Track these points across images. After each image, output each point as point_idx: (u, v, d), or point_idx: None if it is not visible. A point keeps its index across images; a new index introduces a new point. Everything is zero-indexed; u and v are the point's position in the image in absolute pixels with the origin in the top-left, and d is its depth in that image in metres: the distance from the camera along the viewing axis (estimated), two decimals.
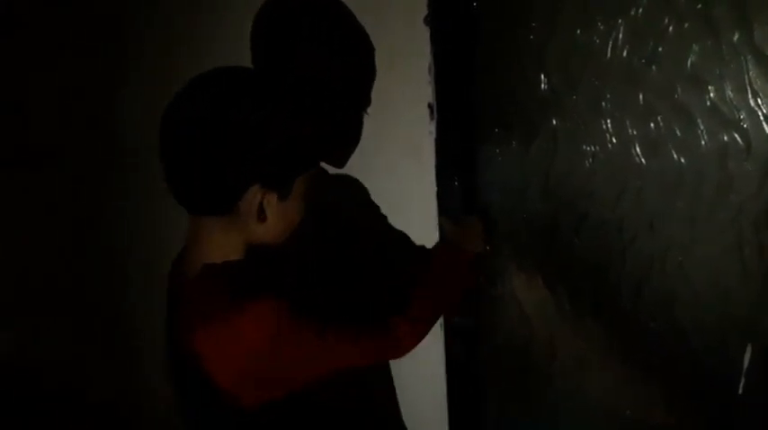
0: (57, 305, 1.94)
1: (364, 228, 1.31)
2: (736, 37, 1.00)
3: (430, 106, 1.25)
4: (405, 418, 1.24)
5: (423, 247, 1.32)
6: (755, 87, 1.00)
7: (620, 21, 1.09)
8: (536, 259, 1.29)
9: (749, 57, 0.99)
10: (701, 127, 1.06)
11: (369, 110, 1.11)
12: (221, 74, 0.84)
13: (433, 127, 1.26)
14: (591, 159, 1.17)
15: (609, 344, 1.24)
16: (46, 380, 1.99)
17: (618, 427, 1.26)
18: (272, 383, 0.85)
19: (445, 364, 1.40)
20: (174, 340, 0.89)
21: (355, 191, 1.32)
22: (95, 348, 1.96)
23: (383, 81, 1.21)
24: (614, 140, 1.14)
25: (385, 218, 1.32)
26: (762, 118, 1.01)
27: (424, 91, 1.24)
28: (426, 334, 1.05)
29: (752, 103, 1.01)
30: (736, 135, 1.03)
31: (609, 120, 1.14)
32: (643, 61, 1.08)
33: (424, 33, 1.21)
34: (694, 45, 1.04)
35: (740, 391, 1.07)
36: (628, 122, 1.12)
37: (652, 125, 1.10)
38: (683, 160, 1.08)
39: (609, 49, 1.11)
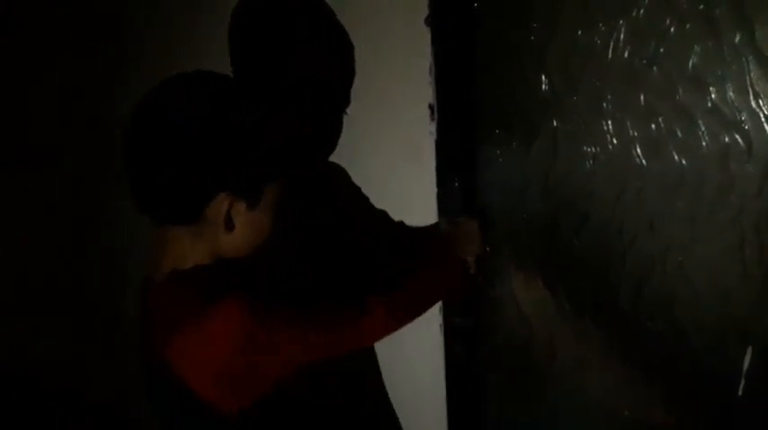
0: (57, 305, 1.94)
1: (348, 213, 1.27)
2: (737, 38, 1.00)
3: (430, 107, 1.25)
4: (404, 419, 1.23)
5: (412, 230, 1.28)
6: (757, 88, 1.00)
7: (621, 21, 1.09)
8: (536, 259, 1.29)
9: (750, 58, 0.99)
10: (702, 128, 1.05)
11: (348, 110, 1.07)
12: (187, 78, 0.81)
13: (433, 127, 1.26)
14: (591, 160, 1.17)
15: (609, 344, 1.23)
16: (46, 380, 1.99)
17: (617, 428, 1.26)
18: (251, 384, 0.82)
19: (445, 364, 1.40)
20: (147, 350, 0.87)
21: (337, 175, 1.28)
22: (95, 348, 1.96)
23: (383, 81, 1.21)
24: (615, 141, 1.14)
25: (368, 201, 1.28)
26: (763, 119, 1.00)
27: (425, 91, 1.24)
28: (397, 327, 1.00)
29: (753, 104, 1.01)
30: (738, 136, 1.03)
31: (610, 121, 1.14)
32: (644, 62, 1.08)
33: (425, 34, 1.21)
34: (696, 46, 1.04)
35: (740, 393, 1.07)
36: (629, 123, 1.12)
37: (653, 126, 1.10)
38: (683, 161, 1.08)
39: (610, 50, 1.11)
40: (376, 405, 1.14)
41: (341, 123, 1.06)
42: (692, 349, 1.13)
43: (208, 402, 0.80)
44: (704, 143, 1.06)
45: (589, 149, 1.17)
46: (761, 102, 1.00)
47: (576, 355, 1.28)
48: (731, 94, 1.02)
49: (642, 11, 1.07)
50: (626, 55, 1.10)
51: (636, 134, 1.12)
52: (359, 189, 1.23)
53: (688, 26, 1.03)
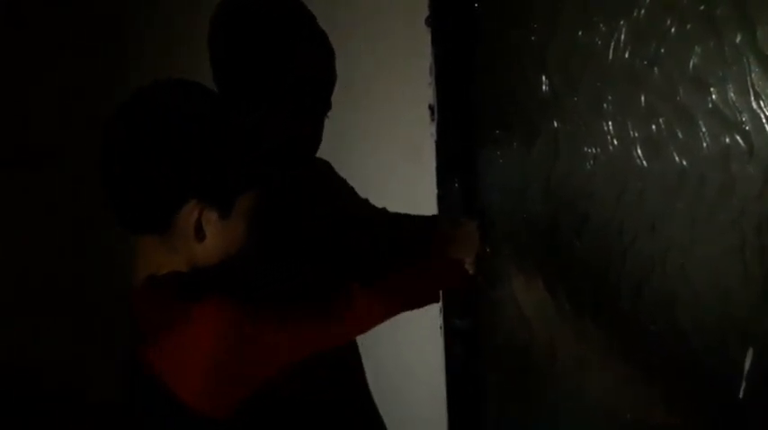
0: (57, 305, 1.94)
1: (336, 208, 1.25)
2: (738, 38, 0.99)
3: (430, 107, 1.25)
4: (405, 420, 1.24)
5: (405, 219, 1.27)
6: (758, 89, 0.99)
7: (621, 22, 1.09)
8: (536, 260, 1.29)
9: (752, 58, 0.99)
10: (703, 129, 1.05)
11: (329, 113, 1.05)
12: (161, 85, 0.80)
13: (433, 128, 1.26)
14: (592, 161, 1.17)
15: (609, 345, 1.23)
16: (46, 380, 1.99)
17: (618, 428, 1.26)
18: (237, 385, 0.80)
19: (445, 365, 1.40)
20: (129, 359, 0.85)
21: (322, 169, 1.26)
22: (95, 348, 1.96)
23: (383, 82, 1.21)
24: (615, 142, 1.14)
25: (355, 193, 1.27)
26: (764, 120, 1.00)
27: (425, 92, 1.24)
28: (381, 317, 0.97)
29: (754, 105, 1.00)
30: (738, 137, 1.02)
31: (610, 122, 1.14)
32: (645, 63, 1.08)
33: (425, 34, 1.21)
34: (696, 47, 1.03)
35: (741, 395, 1.07)
36: (629, 124, 1.12)
37: (653, 127, 1.09)
38: (684, 162, 1.08)
39: (610, 51, 1.11)
40: (363, 399, 1.14)
41: (320, 131, 1.04)
42: (692, 350, 1.13)
43: (194, 408, 0.78)
44: (705, 144, 1.05)
45: (589, 150, 1.17)
46: (762, 103, 1.00)
47: (577, 356, 1.28)
48: (732, 94, 1.02)
49: (643, 11, 1.06)
50: (626, 55, 1.10)
51: (636, 135, 1.11)
52: (344, 181, 1.22)
53: (689, 26, 1.03)
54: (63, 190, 1.84)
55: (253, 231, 0.85)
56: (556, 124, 1.19)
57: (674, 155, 1.09)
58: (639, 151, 1.12)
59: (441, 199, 1.29)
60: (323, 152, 1.20)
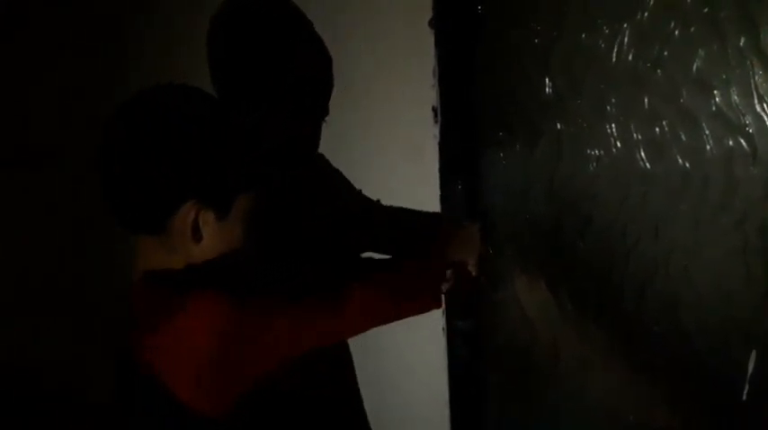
0: (57, 305, 1.94)
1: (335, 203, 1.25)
2: (742, 41, 0.99)
3: (434, 109, 1.25)
4: (407, 420, 1.24)
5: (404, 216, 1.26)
6: (761, 92, 1.00)
7: (625, 24, 1.09)
8: (539, 262, 1.29)
9: (755, 61, 0.99)
10: (707, 131, 1.05)
11: (327, 119, 1.05)
12: (161, 87, 0.81)
13: (436, 129, 1.26)
14: (595, 163, 1.17)
15: (611, 346, 1.24)
16: (46, 380, 1.99)
17: None
18: (234, 380, 0.79)
19: (447, 366, 1.40)
20: (125, 357, 0.84)
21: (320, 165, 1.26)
22: (95, 348, 1.96)
23: (386, 83, 1.21)
24: (619, 144, 1.14)
25: (353, 186, 1.26)
26: (767, 123, 1.00)
27: (428, 93, 1.24)
28: (377, 317, 0.96)
29: (757, 107, 1.00)
30: (742, 140, 1.02)
31: (613, 124, 1.14)
32: (648, 65, 1.08)
33: (429, 36, 1.20)
34: (700, 49, 1.03)
35: (744, 397, 1.07)
36: (632, 126, 1.12)
37: (657, 129, 1.09)
38: (687, 165, 1.08)
39: (614, 53, 1.11)
40: (356, 398, 1.14)
41: (318, 134, 1.04)
42: (695, 352, 1.13)
43: (192, 406, 0.77)
44: (708, 146, 1.06)
45: (593, 152, 1.17)
46: (765, 105, 1.00)
47: (579, 357, 1.28)
48: (735, 97, 1.02)
49: (646, 14, 1.07)
50: (630, 58, 1.10)
51: (640, 137, 1.12)
52: (341, 174, 1.22)
53: (692, 29, 1.03)
54: (63, 190, 1.84)
55: (250, 233, 0.85)
56: (559, 126, 1.19)
57: (678, 157, 1.09)
58: (643, 153, 1.12)
59: (443, 200, 1.29)
60: (326, 154, 1.20)
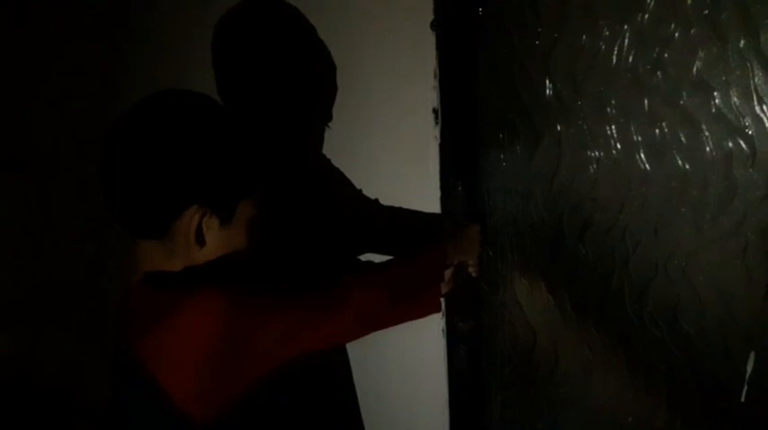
0: (57, 305, 1.94)
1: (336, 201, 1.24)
2: (742, 43, 1.00)
3: (435, 111, 1.25)
4: (406, 422, 1.24)
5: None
6: (761, 94, 1.00)
7: (625, 26, 1.09)
8: (539, 264, 1.29)
9: (755, 63, 0.99)
10: (706, 133, 1.05)
11: (330, 124, 1.05)
12: (164, 94, 0.81)
13: (437, 131, 1.26)
14: (595, 165, 1.17)
15: (612, 349, 1.24)
16: (46, 380, 1.99)
17: None
18: (230, 383, 0.79)
19: (447, 368, 1.40)
20: (121, 357, 0.85)
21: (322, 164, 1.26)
22: (95, 348, 1.96)
23: (388, 85, 1.21)
24: (619, 146, 1.14)
25: (353, 185, 1.26)
26: (767, 125, 1.00)
27: (429, 95, 1.24)
28: (375, 318, 0.96)
29: (757, 109, 1.00)
30: (742, 141, 1.03)
31: (613, 126, 1.14)
32: (648, 67, 1.08)
33: (430, 38, 1.20)
34: (700, 51, 1.03)
35: (743, 399, 1.08)
36: (632, 128, 1.12)
37: (657, 131, 1.10)
38: (687, 166, 1.08)
39: (614, 55, 1.11)
40: (351, 406, 1.15)
41: (321, 140, 1.05)
42: (694, 354, 1.14)
43: (185, 411, 0.77)
44: (708, 148, 1.06)
45: (593, 154, 1.17)
46: (765, 107, 1.00)
47: (579, 360, 1.28)
48: (735, 99, 1.02)
49: (647, 16, 1.07)
50: (630, 60, 1.10)
51: (640, 139, 1.12)
52: (344, 176, 1.22)
53: (692, 31, 1.03)
54: (62, 191, 1.84)
55: (253, 236, 0.85)
56: (559, 128, 1.19)
57: (678, 159, 1.09)
58: (643, 155, 1.12)
59: (443, 201, 1.29)
60: (327, 154, 1.20)
